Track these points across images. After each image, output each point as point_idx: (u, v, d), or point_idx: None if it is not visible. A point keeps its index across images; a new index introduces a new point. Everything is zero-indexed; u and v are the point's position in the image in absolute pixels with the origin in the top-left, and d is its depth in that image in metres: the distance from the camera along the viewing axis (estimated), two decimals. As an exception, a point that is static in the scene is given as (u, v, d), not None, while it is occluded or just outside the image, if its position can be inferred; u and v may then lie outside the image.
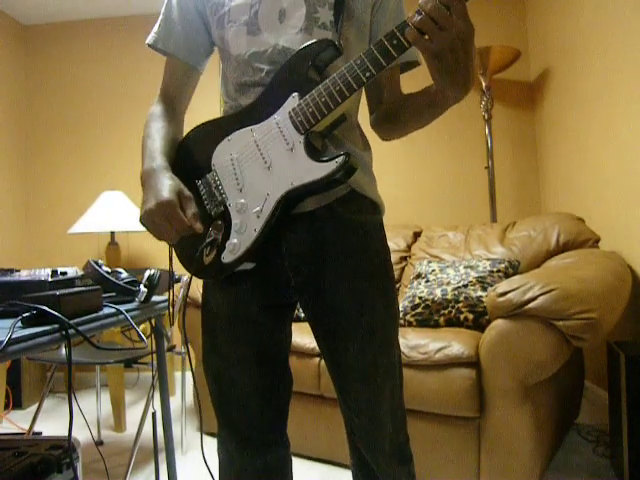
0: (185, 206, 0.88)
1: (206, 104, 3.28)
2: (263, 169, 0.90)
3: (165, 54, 1.06)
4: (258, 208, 0.90)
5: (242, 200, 0.91)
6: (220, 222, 0.93)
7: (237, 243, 0.91)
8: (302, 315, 2.21)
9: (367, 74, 0.81)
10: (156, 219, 0.86)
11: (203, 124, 1.00)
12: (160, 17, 1.05)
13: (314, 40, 0.88)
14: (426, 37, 0.74)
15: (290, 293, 0.98)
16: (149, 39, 1.05)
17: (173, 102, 1.07)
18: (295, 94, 0.88)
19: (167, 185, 0.88)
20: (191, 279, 0.96)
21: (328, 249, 0.93)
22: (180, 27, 1.03)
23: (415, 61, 1.02)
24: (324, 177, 0.85)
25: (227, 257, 0.92)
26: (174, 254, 1.00)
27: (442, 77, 0.79)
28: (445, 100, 0.85)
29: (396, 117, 1.01)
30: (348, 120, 0.93)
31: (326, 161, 0.85)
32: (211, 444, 1.10)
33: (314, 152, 0.87)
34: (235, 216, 0.92)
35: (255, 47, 0.94)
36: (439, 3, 0.72)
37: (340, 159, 0.83)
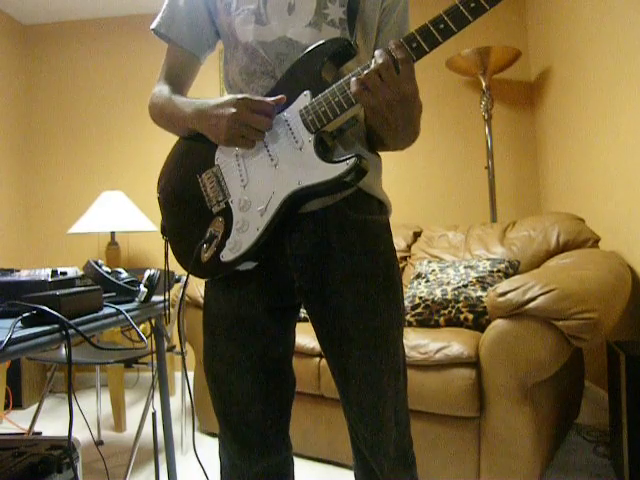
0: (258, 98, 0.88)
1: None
2: (269, 167, 0.88)
3: (168, 40, 1.04)
4: (262, 206, 0.88)
5: (245, 197, 0.90)
6: (221, 219, 0.92)
7: (238, 241, 0.89)
8: (302, 315, 2.21)
9: None
10: (246, 116, 0.85)
11: None
12: (165, 2, 1.03)
13: (329, 38, 0.87)
14: (368, 92, 0.78)
15: (294, 295, 0.96)
16: (153, 24, 1.03)
17: (177, 86, 1.05)
18: (307, 92, 0.86)
19: (230, 95, 0.89)
20: (188, 277, 0.95)
21: (333, 250, 0.92)
22: (185, 14, 1.01)
23: None
24: (334, 179, 0.83)
25: (226, 255, 0.90)
26: (170, 252, 0.99)
27: (378, 128, 0.85)
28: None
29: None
30: (358, 122, 0.92)
31: (336, 162, 0.83)
32: (212, 444, 1.10)
33: (324, 152, 0.85)
34: (237, 214, 0.90)
35: (262, 36, 0.93)
36: (389, 58, 0.76)
37: (351, 161, 0.81)
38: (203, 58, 1.07)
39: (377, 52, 0.77)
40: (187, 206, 0.97)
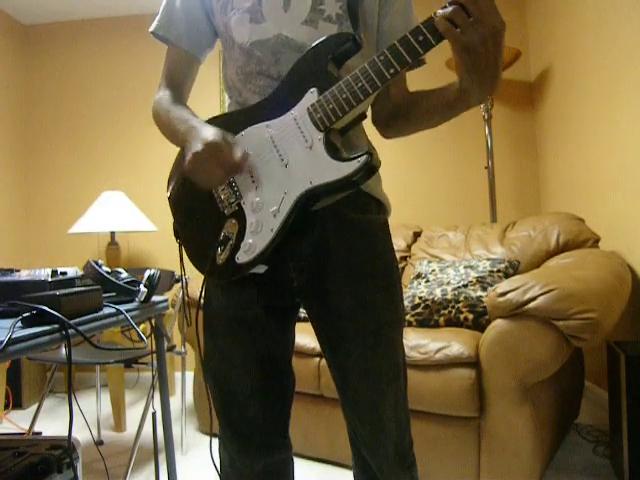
0: (232, 148, 0.86)
1: (206, 100, 3.29)
2: (280, 167, 0.87)
3: (167, 42, 1.04)
4: (275, 207, 0.87)
5: (257, 199, 0.89)
6: (234, 221, 0.91)
7: (252, 243, 0.88)
8: (302, 315, 2.21)
9: (391, 71, 0.78)
10: (204, 161, 0.84)
11: (214, 118, 0.97)
12: (162, 4, 1.04)
13: (334, 33, 0.86)
14: (457, 30, 0.73)
15: (293, 295, 0.96)
16: (151, 27, 1.03)
17: (178, 89, 1.05)
18: (314, 89, 0.85)
19: (212, 131, 0.87)
20: (204, 280, 0.94)
21: (331, 250, 0.92)
22: (182, 15, 1.01)
23: (423, 60, 0.98)
24: (346, 177, 0.82)
25: (242, 257, 0.89)
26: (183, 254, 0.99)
27: (470, 72, 0.77)
28: (466, 101, 0.83)
29: (405, 116, 0.99)
30: (367, 117, 0.91)
31: (347, 160, 0.82)
32: (213, 444, 1.10)
33: (334, 150, 0.84)
34: (250, 215, 0.89)
35: (257, 36, 0.92)
36: None
37: (362, 158, 0.80)
38: (203, 58, 1.07)
39: None
40: (199, 209, 0.96)
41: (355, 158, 0.81)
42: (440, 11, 0.73)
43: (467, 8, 0.71)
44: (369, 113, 1.04)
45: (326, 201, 0.90)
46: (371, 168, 0.82)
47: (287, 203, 0.86)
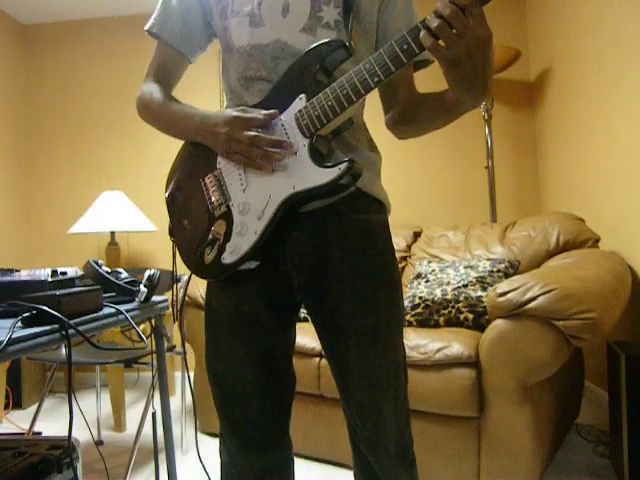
0: (252, 113, 0.89)
1: (205, 101, 3.29)
2: (267, 171, 0.89)
3: (160, 40, 1.05)
4: (260, 211, 0.89)
5: (245, 201, 0.91)
6: (222, 222, 0.92)
7: (237, 245, 0.90)
8: (302, 315, 2.21)
9: (375, 79, 0.79)
10: (233, 133, 0.87)
11: None
12: (159, 3, 1.04)
13: (325, 40, 0.86)
14: (442, 43, 0.72)
15: (293, 293, 0.97)
16: (147, 25, 1.04)
17: (166, 86, 1.06)
18: (302, 96, 0.86)
19: (226, 112, 0.90)
20: (189, 278, 0.96)
21: (331, 248, 0.92)
22: (178, 15, 1.02)
23: (428, 59, 1.00)
24: (326, 183, 0.83)
25: (227, 258, 0.91)
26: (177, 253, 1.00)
27: (458, 84, 0.77)
28: (461, 107, 0.83)
29: (413, 119, 1.00)
30: (355, 123, 0.92)
31: (329, 167, 0.83)
32: (213, 444, 1.10)
33: (318, 157, 0.86)
34: (237, 217, 0.91)
35: (256, 40, 0.93)
36: (456, 7, 0.70)
37: (343, 166, 0.82)
38: (194, 59, 1.08)
39: (440, 4, 0.72)
40: (191, 208, 0.98)
41: (336, 165, 0.82)
42: (429, 17, 0.73)
43: (451, 23, 0.70)
44: (375, 115, 1.05)
45: (322, 202, 0.91)
46: (352, 175, 0.83)
47: (271, 207, 0.88)
